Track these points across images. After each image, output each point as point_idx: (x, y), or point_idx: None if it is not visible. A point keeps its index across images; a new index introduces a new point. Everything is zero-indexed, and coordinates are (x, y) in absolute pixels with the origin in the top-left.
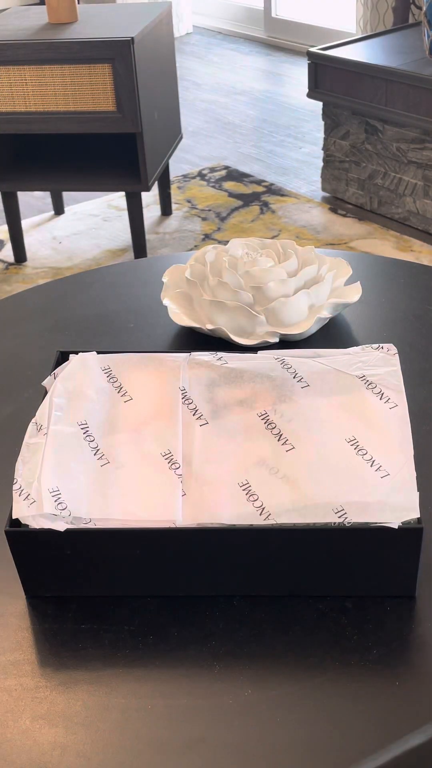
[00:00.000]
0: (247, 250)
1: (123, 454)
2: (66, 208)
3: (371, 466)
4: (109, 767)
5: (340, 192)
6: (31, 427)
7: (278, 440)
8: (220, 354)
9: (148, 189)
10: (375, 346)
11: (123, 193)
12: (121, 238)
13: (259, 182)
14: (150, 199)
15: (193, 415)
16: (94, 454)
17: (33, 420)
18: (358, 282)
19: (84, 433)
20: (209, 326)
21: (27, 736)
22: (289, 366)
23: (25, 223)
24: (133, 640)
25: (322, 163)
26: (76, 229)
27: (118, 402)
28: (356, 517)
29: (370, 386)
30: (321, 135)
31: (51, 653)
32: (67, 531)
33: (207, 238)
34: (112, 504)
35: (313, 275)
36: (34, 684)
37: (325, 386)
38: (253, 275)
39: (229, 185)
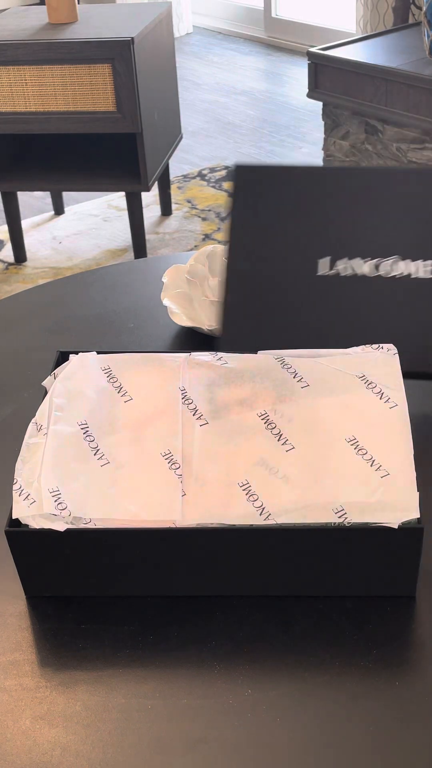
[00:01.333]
0: None
1: (123, 454)
2: (66, 208)
3: (371, 466)
4: (109, 767)
5: None
6: (31, 427)
7: (278, 440)
8: (220, 354)
9: (148, 189)
10: (375, 346)
11: (123, 193)
12: (121, 238)
13: None
14: (150, 199)
15: (193, 415)
16: (94, 454)
17: (33, 420)
18: None
19: (84, 433)
20: (209, 326)
21: (27, 736)
22: (289, 366)
23: (25, 223)
24: (133, 640)
25: (322, 163)
26: (76, 229)
27: (118, 402)
28: (356, 517)
29: (370, 386)
30: (321, 135)
31: (51, 653)
32: (67, 531)
33: (207, 238)
34: (112, 504)
35: None
36: (34, 684)
37: (325, 386)
38: None
39: (229, 185)
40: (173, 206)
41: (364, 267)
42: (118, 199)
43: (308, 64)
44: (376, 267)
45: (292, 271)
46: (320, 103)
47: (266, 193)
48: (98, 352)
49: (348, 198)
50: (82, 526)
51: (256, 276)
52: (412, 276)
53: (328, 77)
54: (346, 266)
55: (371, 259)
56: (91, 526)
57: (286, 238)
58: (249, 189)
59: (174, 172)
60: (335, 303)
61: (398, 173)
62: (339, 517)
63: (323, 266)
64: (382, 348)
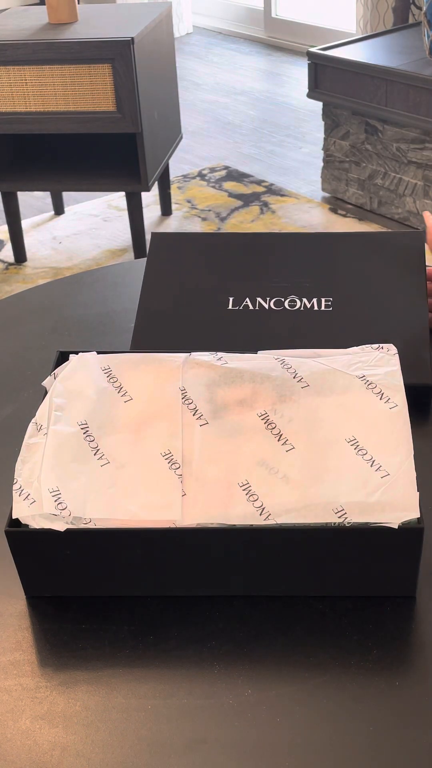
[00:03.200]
0: None
1: (123, 454)
2: (66, 208)
3: (371, 466)
4: (109, 767)
5: (340, 192)
6: (31, 427)
7: (278, 440)
8: (220, 354)
9: (148, 189)
10: (375, 346)
11: (123, 193)
12: (121, 238)
13: (259, 182)
14: (150, 199)
15: (193, 415)
16: (94, 454)
17: (33, 420)
18: None
19: (84, 433)
20: None
21: (27, 736)
22: (289, 366)
23: (25, 223)
24: (133, 640)
25: (322, 163)
26: (76, 229)
27: (118, 402)
28: (356, 517)
29: (370, 386)
30: (321, 135)
31: (51, 653)
32: (67, 531)
33: None
34: (112, 504)
35: None
36: (34, 684)
37: (325, 386)
38: None
39: (229, 185)
40: (173, 206)
41: (270, 303)
42: (118, 199)
43: (308, 64)
44: (279, 303)
45: (204, 305)
46: (320, 103)
47: (178, 252)
48: (98, 352)
49: (246, 255)
50: (82, 526)
51: (167, 311)
52: (315, 309)
53: (328, 77)
54: (253, 302)
55: (271, 299)
56: (91, 526)
57: (198, 282)
58: (163, 250)
59: (174, 172)
60: (245, 329)
61: (284, 237)
62: (339, 517)
63: (233, 303)
64: (382, 348)
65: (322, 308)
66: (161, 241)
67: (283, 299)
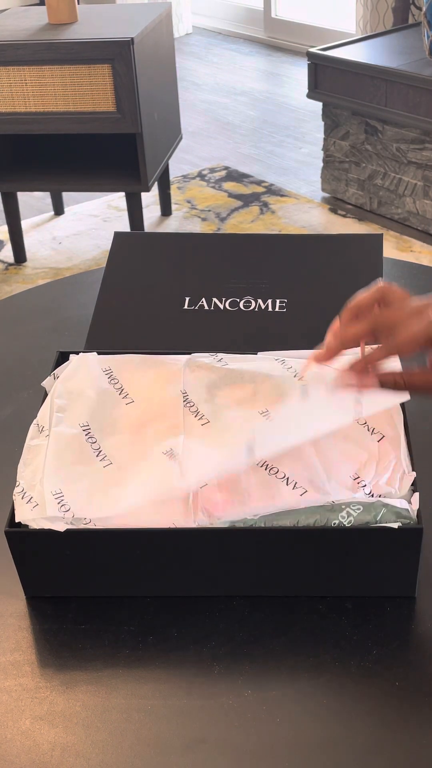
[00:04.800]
0: None
1: (124, 455)
2: (66, 209)
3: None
4: (109, 767)
5: (340, 192)
6: (32, 429)
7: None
8: (220, 355)
9: (147, 189)
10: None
11: (123, 194)
12: None
13: (258, 183)
14: (150, 199)
15: (194, 416)
16: (96, 456)
17: (34, 421)
18: None
19: (86, 435)
20: None
21: (27, 737)
22: (290, 366)
23: (25, 224)
24: (133, 640)
25: (321, 164)
26: (76, 229)
27: (120, 404)
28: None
29: None
30: (321, 135)
31: (51, 653)
32: (67, 531)
33: None
34: (113, 504)
35: None
36: (34, 684)
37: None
38: None
39: (228, 186)
40: (173, 206)
41: (225, 304)
42: (118, 199)
43: (308, 64)
44: (234, 304)
45: (160, 305)
46: (320, 104)
47: (139, 251)
48: (98, 353)
49: (206, 256)
50: (82, 526)
51: (123, 310)
52: (269, 310)
53: (328, 77)
54: (209, 302)
55: (227, 300)
56: (91, 526)
57: (156, 282)
58: (125, 249)
59: (174, 173)
60: (199, 329)
61: (242, 238)
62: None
63: (189, 303)
64: None
65: (277, 309)
66: (123, 241)
67: (238, 300)
